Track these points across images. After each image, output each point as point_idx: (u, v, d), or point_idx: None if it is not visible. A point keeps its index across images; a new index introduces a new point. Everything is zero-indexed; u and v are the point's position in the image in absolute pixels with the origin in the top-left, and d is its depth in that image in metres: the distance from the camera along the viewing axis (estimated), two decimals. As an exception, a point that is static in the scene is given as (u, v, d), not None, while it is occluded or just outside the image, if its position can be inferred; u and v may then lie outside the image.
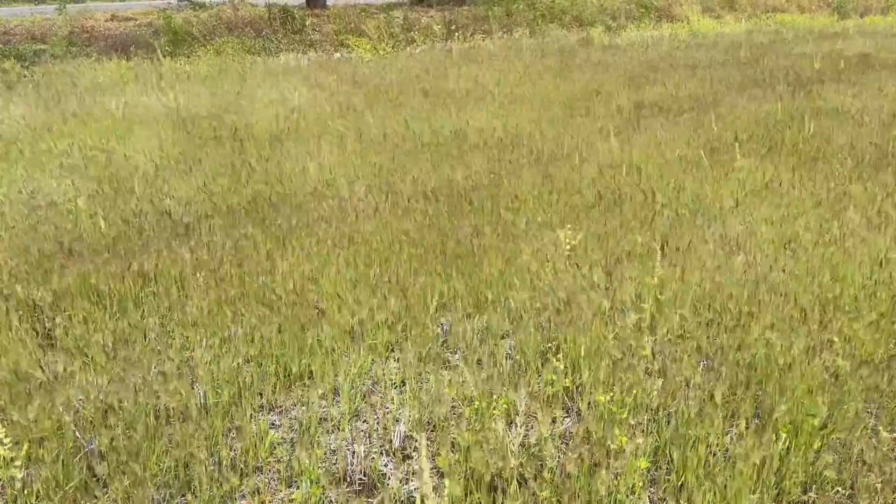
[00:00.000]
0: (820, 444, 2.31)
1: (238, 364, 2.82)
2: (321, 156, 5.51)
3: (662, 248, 3.26)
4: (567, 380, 2.71)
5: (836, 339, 2.68)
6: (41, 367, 2.70)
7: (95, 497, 2.21)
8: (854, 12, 20.74)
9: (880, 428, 2.37)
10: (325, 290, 3.29)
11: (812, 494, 2.22)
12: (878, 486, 2.15)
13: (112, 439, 2.34)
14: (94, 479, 2.27)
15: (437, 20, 15.33)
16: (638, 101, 7.58)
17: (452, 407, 2.64)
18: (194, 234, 4.02)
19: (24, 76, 9.32)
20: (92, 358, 2.84)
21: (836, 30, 15.63)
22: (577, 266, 3.30)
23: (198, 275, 3.41)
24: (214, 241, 3.85)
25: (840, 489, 2.23)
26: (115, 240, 4.01)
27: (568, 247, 3.48)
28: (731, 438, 2.38)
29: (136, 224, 4.22)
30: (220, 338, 2.99)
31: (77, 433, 2.40)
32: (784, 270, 3.26)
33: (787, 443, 2.25)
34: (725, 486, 2.13)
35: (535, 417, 2.50)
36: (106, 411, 2.50)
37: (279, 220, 4.18)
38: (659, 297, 2.98)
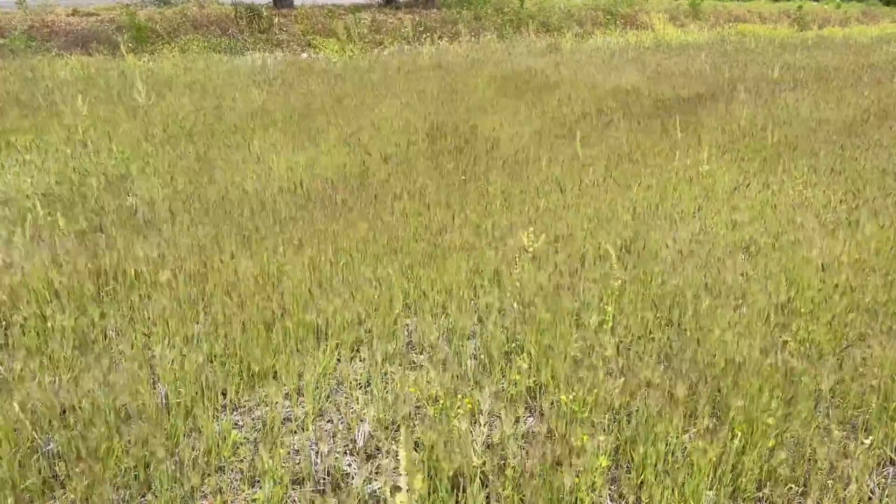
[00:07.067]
0: (774, 442, 2.37)
1: (200, 362, 2.79)
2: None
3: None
4: (530, 380, 2.73)
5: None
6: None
7: (53, 497, 2.17)
8: (814, 23, 21.34)
9: (832, 426, 2.44)
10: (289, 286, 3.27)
11: (766, 491, 2.27)
12: (830, 482, 2.21)
13: (70, 439, 2.30)
14: (53, 478, 2.23)
15: (406, 22, 15.36)
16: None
17: (417, 406, 2.65)
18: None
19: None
20: (50, 356, 2.78)
21: (794, 41, 16.02)
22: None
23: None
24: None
25: (793, 486, 2.28)
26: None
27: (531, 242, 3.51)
28: (690, 437, 2.43)
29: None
30: (183, 336, 2.95)
31: (34, 432, 2.36)
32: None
33: (743, 441, 2.31)
34: (683, 484, 2.18)
35: (498, 416, 2.52)
36: (64, 411, 2.45)
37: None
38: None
